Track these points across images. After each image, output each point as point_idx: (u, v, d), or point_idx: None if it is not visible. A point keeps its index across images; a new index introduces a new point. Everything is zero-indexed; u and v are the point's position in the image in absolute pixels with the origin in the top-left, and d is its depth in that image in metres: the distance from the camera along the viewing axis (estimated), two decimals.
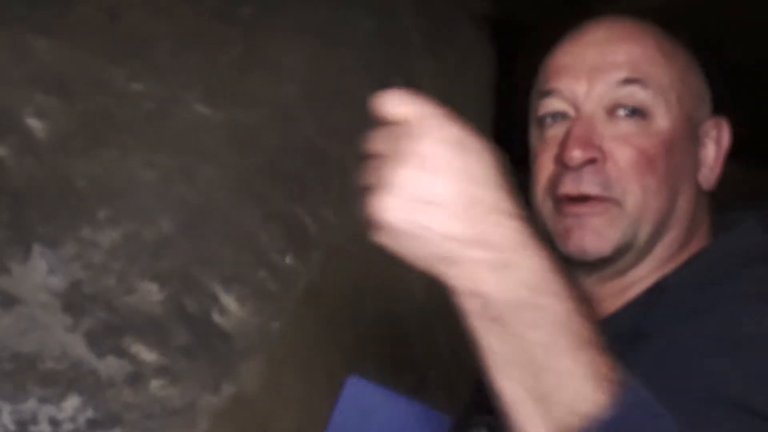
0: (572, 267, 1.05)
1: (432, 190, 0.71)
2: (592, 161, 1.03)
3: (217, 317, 1.70)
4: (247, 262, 1.91)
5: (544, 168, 1.07)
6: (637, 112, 1.04)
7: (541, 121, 1.10)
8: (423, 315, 2.80)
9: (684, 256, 1.06)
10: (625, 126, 1.03)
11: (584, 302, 0.74)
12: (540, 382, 0.71)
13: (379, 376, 2.43)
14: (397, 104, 0.74)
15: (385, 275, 2.63)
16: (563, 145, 1.04)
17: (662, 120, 1.03)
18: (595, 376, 0.71)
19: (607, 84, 1.04)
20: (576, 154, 1.02)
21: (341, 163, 2.62)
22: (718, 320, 0.90)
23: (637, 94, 1.03)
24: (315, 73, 2.73)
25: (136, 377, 1.51)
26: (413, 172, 0.71)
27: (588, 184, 1.03)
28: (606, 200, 1.03)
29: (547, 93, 1.08)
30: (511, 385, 0.72)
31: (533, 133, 1.12)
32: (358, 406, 1.10)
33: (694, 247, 1.07)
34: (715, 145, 1.07)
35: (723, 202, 1.13)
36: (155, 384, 1.51)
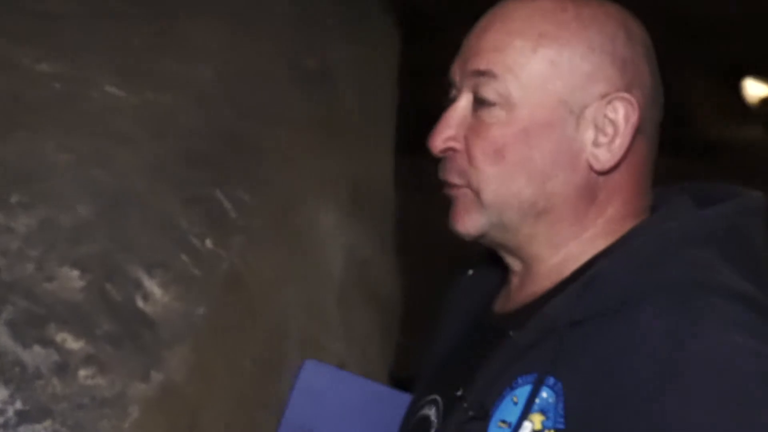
0: None
1: None
2: (451, 150, 1.10)
3: (141, 304, 1.66)
4: (168, 248, 1.87)
5: None
6: (493, 102, 1.07)
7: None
8: (344, 299, 2.78)
9: (611, 229, 1.07)
10: (483, 116, 1.08)
11: None
12: None
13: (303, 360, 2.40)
14: None
15: (306, 259, 2.62)
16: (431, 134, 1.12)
17: (519, 108, 1.06)
18: None
19: (467, 75, 1.10)
20: (433, 144, 1.11)
21: (258, 147, 2.58)
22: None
23: (490, 85, 1.07)
24: (230, 56, 2.69)
25: (64, 367, 1.46)
26: None
27: (448, 172, 1.12)
28: (464, 187, 1.10)
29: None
30: None
31: None
32: (316, 388, 1.09)
33: (620, 223, 1.08)
34: (616, 125, 1.06)
35: None
36: (83, 374, 1.46)
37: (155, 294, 1.72)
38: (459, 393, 1.09)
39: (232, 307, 1.98)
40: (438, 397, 1.12)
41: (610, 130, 1.07)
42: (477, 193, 1.09)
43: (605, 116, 1.07)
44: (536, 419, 0.97)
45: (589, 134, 1.07)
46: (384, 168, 3.58)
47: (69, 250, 1.70)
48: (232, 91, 2.59)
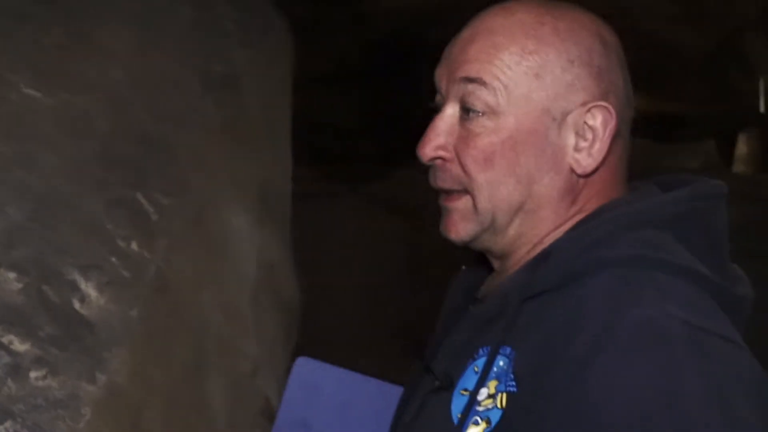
0: None
1: None
2: (441, 159, 1.14)
3: (78, 306, 1.65)
4: (98, 250, 1.87)
5: None
6: (480, 111, 1.12)
7: (435, 111, 1.18)
8: (256, 302, 2.81)
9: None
10: (472, 125, 1.12)
11: None
12: None
13: (222, 363, 2.42)
14: None
15: (223, 262, 2.63)
16: (420, 142, 1.15)
17: (506, 117, 1.11)
18: None
19: (456, 83, 1.13)
20: (423, 153, 1.14)
21: (173, 150, 2.58)
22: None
23: (479, 93, 1.11)
24: (141, 59, 2.68)
25: (16, 369, 1.45)
26: None
27: (441, 180, 1.15)
28: (461, 192, 1.14)
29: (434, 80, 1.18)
30: None
31: None
32: (309, 384, 1.11)
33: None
34: (595, 131, 1.12)
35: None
36: (34, 375, 1.45)
37: (91, 296, 1.72)
38: (426, 365, 1.16)
39: (161, 310, 1.99)
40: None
41: (589, 135, 1.12)
42: (474, 199, 1.13)
43: (585, 123, 1.12)
44: (492, 385, 1.03)
45: (570, 140, 1.12)
46: (284, 174, 3.61)
47: (4, 253, 1.68)
48: (144, 94, 2.59)
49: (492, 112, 1.11)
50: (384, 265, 6.88)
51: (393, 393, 1.20)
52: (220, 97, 2.96)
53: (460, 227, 1.15)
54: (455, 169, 1.13)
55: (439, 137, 1.14)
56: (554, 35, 1.12)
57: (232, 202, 2.80)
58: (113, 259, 1.90)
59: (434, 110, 1.18)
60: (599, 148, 1.13)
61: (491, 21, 1.14)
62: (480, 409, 1.03)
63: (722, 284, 1.08)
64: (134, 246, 2.04)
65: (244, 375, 2.51)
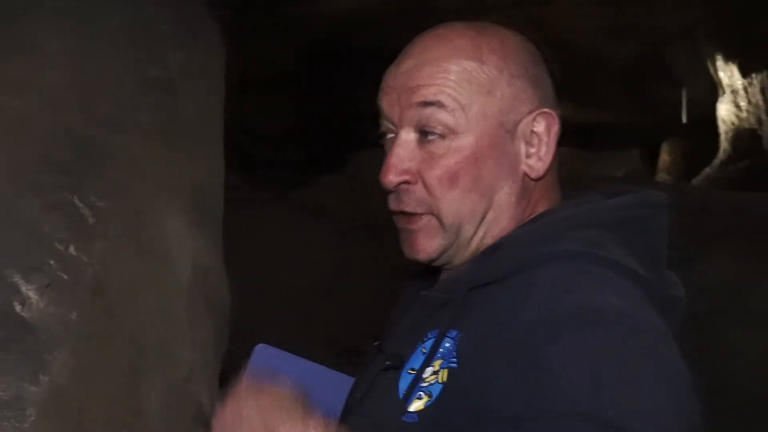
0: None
1: None
2: (405, 182, 1.18)
3: (19, 309, 1.64)
4: (38, 253, 1.85)
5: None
6: (440, 134, 1.16)
7: (381, 136, 1.23)
8: (191, 306, 2.80)
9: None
10: (432, 147, 1.17)
11: None
12: None
13: (159, 367, 2.41)
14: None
15: (158, 266, 2.62)
16: (382, 169, 1.19)
17: (465, 136, 1.16)
18: None
19: (412, 108, 1.17)
20: (389, 180, 1.18)
21: (109, 153, 2.57)
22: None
23: (437, 115, 1.16)
24: (77, 61, 2.66)
25: None
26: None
27: (404, 203, 1.19)
28: (424, 215, 1.18)
29: (379, 110, 1.22)
30: None
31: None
32: (267, 371, 1.13)
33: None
34: (540, 136, 1.19)
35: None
36: None
37: (32, 299, 1.71)
38: (377, 343, 1.22)
39: (100, 313, 1.98)
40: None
41: (536, 141, 1.19)
42: (438, 217, 1.17)
43: (532, 131, 1.18)
44: (437, 363, 1.09)
45: (522, 148, 1.18)
46: (218, 178, 3.60)
47: None
48: (80, 97, 2.56)
49: (452, 132, 1.16)
50: (312, 271, 6.89)
51: (347, 382, 1.24)
52: (156, 100, 2.95)
53: (427, 245, 1.18)
54: (420, 191, 1.17)
55: (402, 162, 1.17)
56: (492, 54, 1.18)
57: (167, 205, 2.79)
58: (52, 262, 1.88)
59: (380, 137, 1.22)
60: (546, 151, 1.19)
61: (431, 49, 1.19)
62: (424, 385, 1.09)
63: (657, 284, 1.16)
64: (72, 249, 2.03)
65: (179, 380, 2.50)
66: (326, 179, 8.10)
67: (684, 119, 10.82)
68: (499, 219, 1.19)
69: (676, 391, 1.02)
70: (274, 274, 6.42)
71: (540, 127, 1.19)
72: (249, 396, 1.04)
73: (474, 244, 1.19)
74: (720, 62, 10.12)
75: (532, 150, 1.19)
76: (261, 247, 6.45)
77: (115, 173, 2.51)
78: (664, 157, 10.87)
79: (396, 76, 1.19)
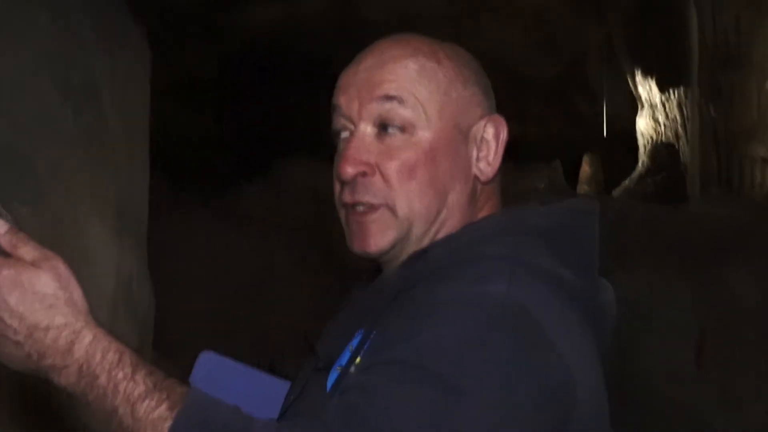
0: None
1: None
2: (362, 174, 1.20)
3: None
4: None
5: (335, 181, 1.24)
6: (399, 127, 1.19)
7: (335, 135, 1.25)
8: (113, 315, 2.78)
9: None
10: (391, 140, 1.20)
11: (140, 364, 1.02)
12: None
13: None
14: None
15: (81, 275, 2.59)
16: (340, 162, 1.21)
17: (423, 132, 1.20)
18: (154, 421, 1.00)
19: (372, 102, 1.20)
20: (346, 170, 1.19)
21: (31, 160, 2.54)
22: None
23: (398, 110, 1.19)
24: None
25: None
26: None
27: (361, 194, 1.20)
28: (379, 206, 1.20)
29: (334, 108, 1.25)
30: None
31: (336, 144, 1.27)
32: (211, 377, 1.14)
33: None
34: (489, 142, 1.23)
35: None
36: None
37: None
38: (310, 344, 1.24)
39: None
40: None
41: (485, 146, 1.23)
42: (392, 210, 1.19)
43: (482, 136, 1.23)
44: (359, 360, 1.13)
45: (473, 151, 1.22)
46: (142, 186, 3.57)
47: None
48: (1, 102, 2.53)
49: (411, 126, 1.19)
50: (236, 277, 6.88)
51: (286, 387, 1.26)
52: (79, 107, 2.92)
53: (378, 238, 1.20)
54: (377, 182, 1.19)
55: (360, 154, 1.20)
56: (449, 59, 1.23)
57: (90, 212, 2.77)
58: None
59: (335, 136, 1.24)
60: (495, 156, 1.23)
61: (391, 49, 1.23)
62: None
63: (586, 289, 1.19)
64: None
65: None
66: (250, 186, 8.09)
67: (604, 133, 11.06)
68: (450, 219, 1.22)
69: (544, 398, 1.05)
70: (197, 281, 6.40)
71: (490, 133, 1.23)
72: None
73: (424, 242, 1.21)
74: (639, 77, 10.37)
75: (482, 154, 1.23)
76: (185, 254, 6.42)
77: (37, 181, 2.48)
78: (585, 169, 11.09)
79: (357, 73, 1.22)
